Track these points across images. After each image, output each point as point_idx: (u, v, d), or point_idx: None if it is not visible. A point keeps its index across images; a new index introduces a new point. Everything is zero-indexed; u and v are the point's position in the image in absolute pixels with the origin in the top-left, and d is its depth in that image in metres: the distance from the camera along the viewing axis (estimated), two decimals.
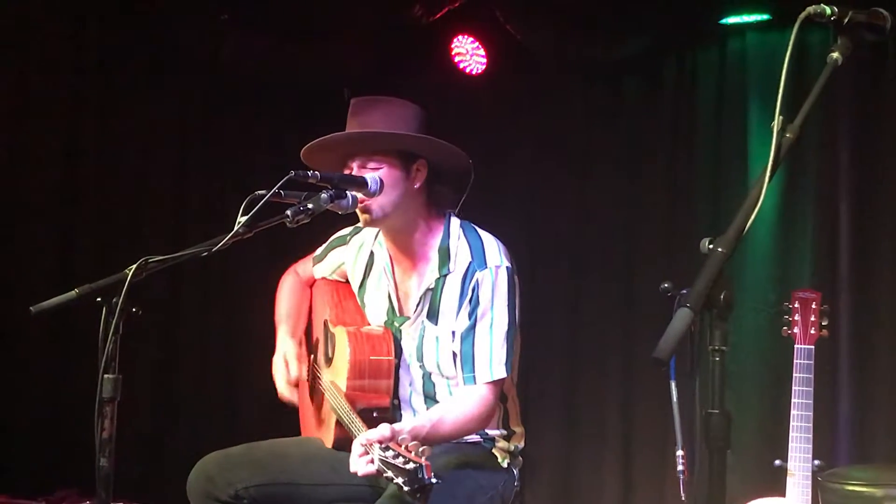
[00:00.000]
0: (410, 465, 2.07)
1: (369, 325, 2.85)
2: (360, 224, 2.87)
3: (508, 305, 2.65)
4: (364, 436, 2.24)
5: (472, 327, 2.64)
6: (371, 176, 2.59)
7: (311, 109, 5.04)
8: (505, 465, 2.76)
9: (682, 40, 4.85)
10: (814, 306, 3.32)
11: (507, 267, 2.66)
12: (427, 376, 2.75)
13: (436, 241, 2.73)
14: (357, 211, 2.60)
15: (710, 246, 1.73)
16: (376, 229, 2.85)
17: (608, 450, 4.92)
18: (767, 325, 4.18)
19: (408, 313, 2.77)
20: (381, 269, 2.83)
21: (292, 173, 2.34)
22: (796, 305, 3.34)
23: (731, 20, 4.61)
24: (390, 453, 2.13)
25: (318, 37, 5.03)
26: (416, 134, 2.67)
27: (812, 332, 3.29)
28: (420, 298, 2.72)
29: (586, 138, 5.20)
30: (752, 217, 1.73)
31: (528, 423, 2.94)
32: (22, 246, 4.61)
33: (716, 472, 1.71)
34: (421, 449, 2.11)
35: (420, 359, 2.73)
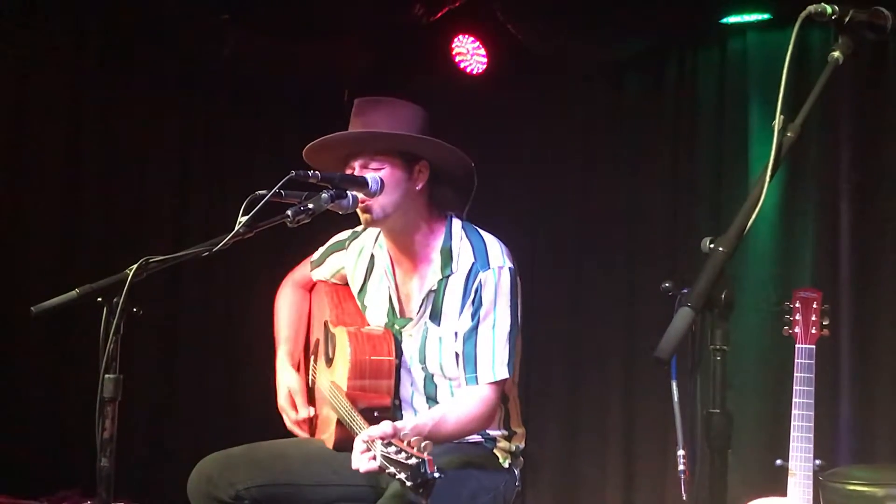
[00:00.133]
0: (413, 461, 2.06)
1: (369, 325, 2.85)
2: (358, 228, 2.88)
3: (511, 306, 2.65)
4: (366, 432, 2.23)
5: (475, 328, 2.64)
6: (371, 176, 2.59)
7: (312, 109, 5.04)
8: (506, 465, 2.76)
9: (682, 40, 4.85)
10: (815, 306, 3.32)
11: (509, 268, 2.66)
12: (429, 378, 2.74)
13: (437, 242, 2.72)
14: (358, 211, 2.60)
15: (711, 245, 1.73)
16: (375, 232, 2.85)
17: (609, 450, 4.93)
18: (768, 324, 4.18)
19: (409, 315, 2.77)
20: (382, 272, 2.82)
21: (293, 173, 2.34)
22: (797, 305, 3.34)
23: (732, 20, 4.61)
24: (392, 449, 2.12)
25: (319, 37, 5.03)
26: (419, 135, 2.66)
27: (813, 331, 3.29)
28: (423, 300, 2.72)
29: (587, 138, 5.20)
30: (753, 216, 1.73)
31: (530, 423, 2.94)
32: (22, 246, 4.61)
33: (717, 471, 1.71)
34: (423, 444, 2.10)
35: (423, 360, 2.72)
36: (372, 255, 2.88)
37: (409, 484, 2.05)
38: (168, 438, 4.98)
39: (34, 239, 4.65)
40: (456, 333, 2.67)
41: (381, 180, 2.59)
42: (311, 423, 2.92)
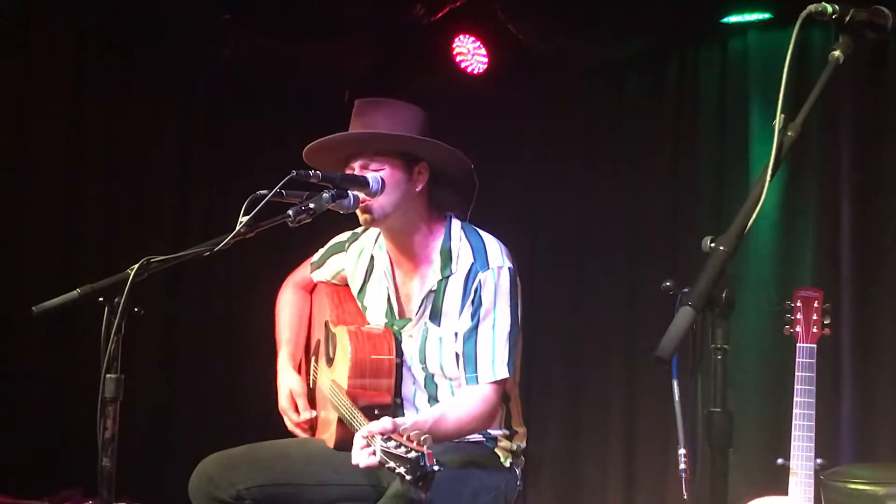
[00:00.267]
0: (412, 454, 2.07)
1: (370, 324, 2.86)
2: (358, 230, 2.88)
3: (511, 306, 2.65)
4: (366, 428, 2.24)
5: (475, 328, 2.64)
6: (373, 176, 2.60)
7: (312, 109, 5.04)
8: (507, 464, 2.76)
9: (683, 39, 4.85)
10: (816, 305, 3.32)
11: (509, 267, 2.67)
12: (430, 378, 2.75)
13: (437, 242, 2.73)
14: (357, 211, 2.60)
15: (712, 244, 1.73)
16: (375, 234, 2.86)
17: (611, 449, 4.93)
18: (769, 323, 4.18)
19: (409, 315, 2.77)
20: (382, 273, 2.83)
21: (294, 173, 2.34)
22: (798, 304, 3.34)
23: (733, 19, 4.61)
24: (392, 444, 2.13)
25: (319, 37, 5.03)
26: (419, 136, 2.66)
27: (814, 330, 3.29)
28: (422, 300, 2.72)
29: (587, 138, 5.20)
30: (754, 215, 1.73)
31: (531, 423, 2.94)
32: (23, 246, 4.61)
33: (718, 470, 1.71)
34: (423, 438, 2.10)
35: (423, 360, 2.73)
36: (371, 257, 2.88)
37: (408, 478, 2.05)
38: (169, 438, 4.98)
39: (34, 239, 4.65)
40: (456, 334, 2.67)
41: (383, 180, 2.60)
42: (312, 425, 2.92)
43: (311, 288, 3.13)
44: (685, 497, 2.98)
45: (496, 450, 2.76)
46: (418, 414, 2.67)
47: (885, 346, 4.09)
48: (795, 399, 3.22)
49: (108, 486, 2.16)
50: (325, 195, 2.45)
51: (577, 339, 5.10)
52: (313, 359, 3.05)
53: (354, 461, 2.24)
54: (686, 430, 2.71)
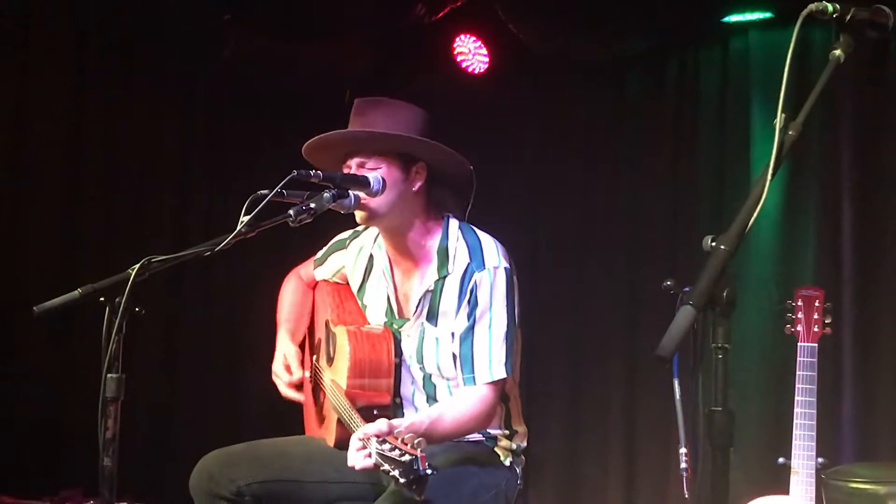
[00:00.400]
0: (406, 457, 2.09)
1: (369, 324, 2.86)
2: (359, 228, 2.88)
3: (507, 306, 2.64)
4: (362, 430, 2.25)
5: (471, 328, 2.64)
6: (374, 175, 2.60)
7: (312, 109, 5.03)
8: (507, 463, 2.76)
9: (684, 39, 4.85)
10: (817, 304, 3.32)
11: (505, 267, 2.66)
12: (427, 378, 2.75)
13: (434, 242, 2.72)
14: (354, 210, 2.60)
15: (713, 244, 1.73)
16: (375, 232, 2.86)
17: (611, 448, 4.92)
18: (770, 322, 4.17)
19: (407, 315, 2.77)
20: (381, 272, 2.83)
21: (295, 173, 2.35)
22: (799, 303, 3.34)
23: (734, 18, 4.61)
24: (387, 446, 2.15)
25: (319, 37, 5.03)
26: (417, 137, 2.66)
27: (815, 329, 3.29)
28: (420, 300, 2.72)
29: (588, 137, 5.20)
30: (755, 215, 1.73)
31: (531, 423, 2.94)
32: (23, 245, 4.61)
33: (719, 469, 1.71)
34: (416, 441, 2.13)
35: (420, 360, 2.73)
36: (371, 255, 2.88)
37: (402, 480, 2.07)
38: (170, 438, 4.99)
39: (34, 239, 4.65)
40: (453, 334, 2.67)
41: (383, 180, 2.60)
42: (314, 418, 2.91)
43: (314, 285, 3.13)
44: (686, 496, 2.98)
45: (496, 449, 2.76)
46: (416, 414, 2.67)
47: (885, 345, 4.09)
48: (796, 398, 3.22)
49: (109, 486, 2.17)
50: (326, 195, 2.45)
51: (578, 339, 5.10)
52: (315, 357, 3.05)
53: (350, 463, 2.26)
54: (687, 430, 2.70)
